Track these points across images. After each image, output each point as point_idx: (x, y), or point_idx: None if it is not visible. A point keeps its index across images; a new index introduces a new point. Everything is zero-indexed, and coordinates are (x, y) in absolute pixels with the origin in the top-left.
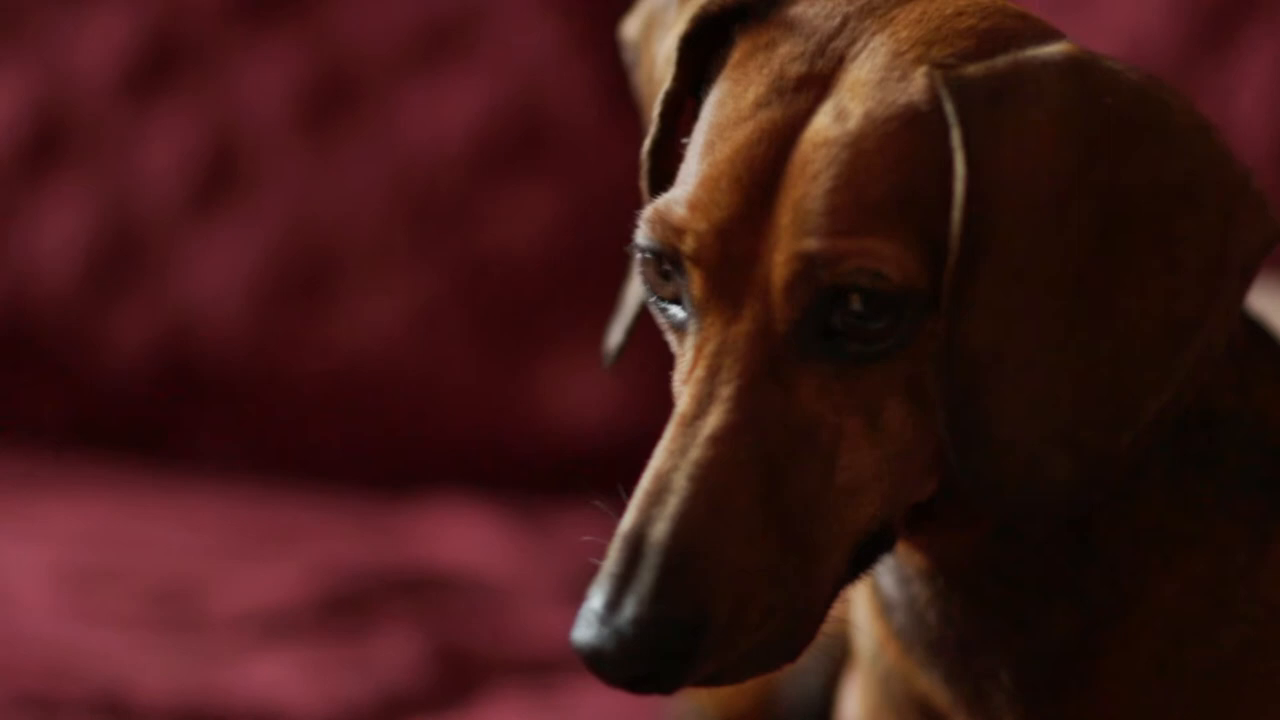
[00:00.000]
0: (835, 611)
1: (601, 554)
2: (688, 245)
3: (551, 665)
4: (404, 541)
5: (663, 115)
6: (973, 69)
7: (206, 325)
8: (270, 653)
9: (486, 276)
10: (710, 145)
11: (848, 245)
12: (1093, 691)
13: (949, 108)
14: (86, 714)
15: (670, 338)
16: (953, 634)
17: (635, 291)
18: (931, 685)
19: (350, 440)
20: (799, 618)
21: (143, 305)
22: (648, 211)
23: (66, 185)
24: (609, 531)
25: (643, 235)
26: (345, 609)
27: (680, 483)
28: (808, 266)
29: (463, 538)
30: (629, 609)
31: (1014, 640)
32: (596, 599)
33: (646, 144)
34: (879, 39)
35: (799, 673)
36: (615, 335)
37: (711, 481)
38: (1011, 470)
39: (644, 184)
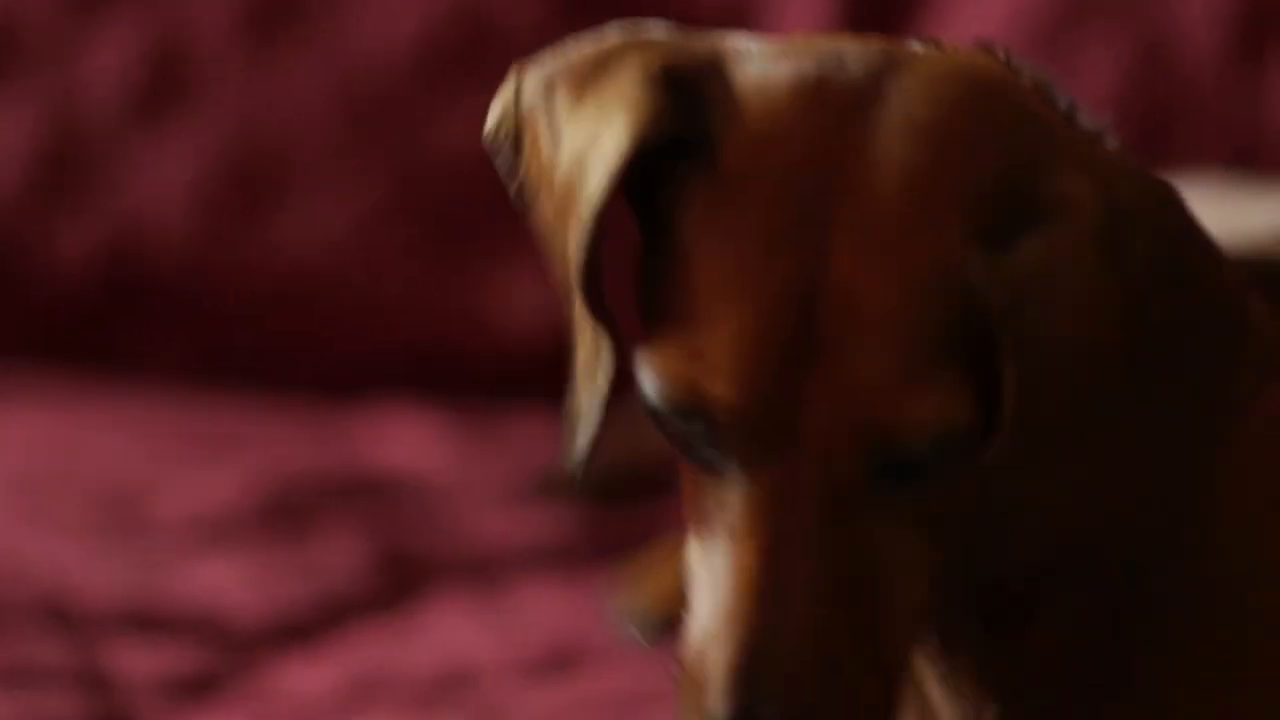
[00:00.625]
0: None
1: (546, 460)
2: (724, 415)
3: (495, 566)
4: (348, 446)
5: (593, 233)
6: (1007, 263)
7: (151, 233)
8: (214, 557)
9: (433, 182)
10: (721, 300)
11: (917, 408)
12: (1040, 627)
13: (989, 302)
14: (30, 617)
15: (695, 468)
16: None
17: (596, 398)
18: None
19: (295, 346)
20: (889, 708)
21: (86, 214)
22: (658, 364)
23: (8, 92)
24: (553, 436)
25: (661, 398)
26: (289, 513)
27: (782, 654)
28: (878, 435)
29: (407, 442)
30: None
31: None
32: None
33: (575, 272)
34: (868, 167)
35: None
36: (580, 450)
37: (815, 645)
38: (1024, 573)
39: (578, 306)
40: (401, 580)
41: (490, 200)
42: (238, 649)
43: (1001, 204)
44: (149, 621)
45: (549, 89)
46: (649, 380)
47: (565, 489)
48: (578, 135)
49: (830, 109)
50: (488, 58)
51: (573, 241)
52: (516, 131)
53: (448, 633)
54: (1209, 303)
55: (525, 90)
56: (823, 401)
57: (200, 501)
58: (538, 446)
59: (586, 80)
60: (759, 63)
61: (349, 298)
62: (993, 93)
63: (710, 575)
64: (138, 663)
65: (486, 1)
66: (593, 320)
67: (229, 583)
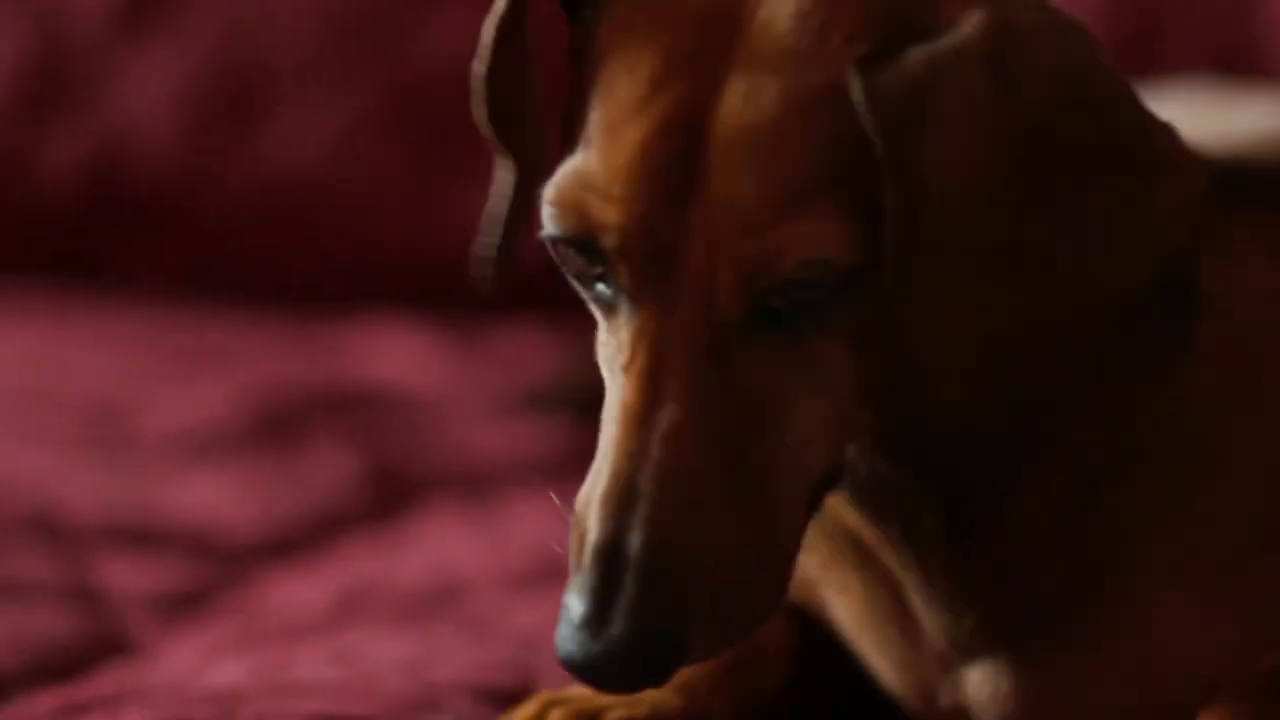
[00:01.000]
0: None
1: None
2: (610, 240)
3: (485, 479)
4: (337, 360)
5: (497, 41)
6: (887, 74)
7: (135, 146)
8: (203, 471)
9: (416, 93)
10: (614, 127)
11: (791, 238)
12: (1009, 530)
13: (866, 116)
14: (19, 533)
15: (593, 308)
16: (876, 481)
17: (500, 204)
18: (860, 522)
19: (283, 260)
20: (773, 577)
21: (71, 129)
22: (551, 193)
23: None
24: (542, 350)
25: (554, 225)
26: (278, 427)
27: (647, 487)
28: (751, 267)
29: (395, 355)
30: (616, 625)
31: (931, 486)
32: (577, 611)
33: (480, 68)
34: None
35: None
36: (489, 258)
37: (677, 480)
38: (950, 428)
39: (480, 111)
40: (391, 494)
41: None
42: (227, 563)
43: (890, 29)
44: (138, 536)
45: None
46: (545, 209)
47: (555, 403)
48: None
49: None
50: None
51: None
52: None
53: (438, 545)
54: (1117, 133)
55: None
56: (702, 231)
57: (188, 416)
58: (528, 360)
59: None
60: None
61: (336, 210)
62: None
63: (605, 414)
64: (127, 577)
65: None
66: (496, 146)
67: (218, 497)
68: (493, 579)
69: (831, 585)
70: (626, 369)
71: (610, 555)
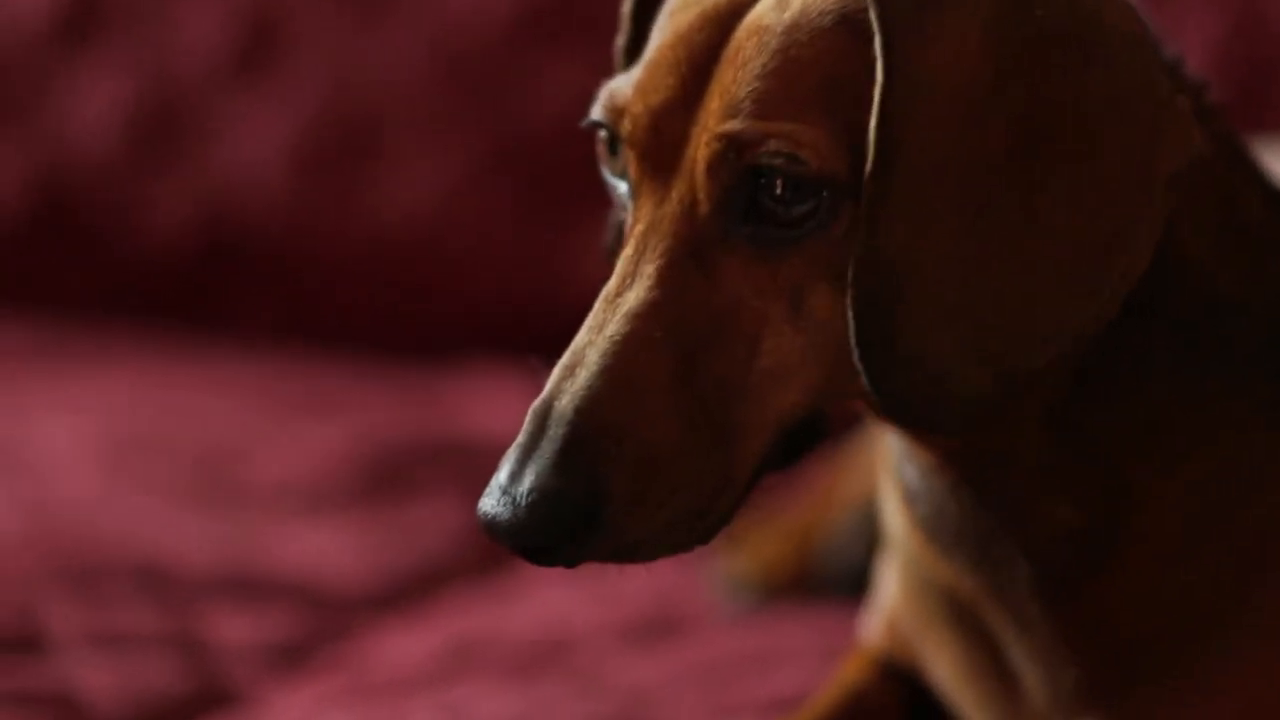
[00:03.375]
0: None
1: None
2: (625, 126)
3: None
4: (443, 410)
5: (634, 16)
6: None
7: (246, 194)
8: (311, 521)
9: (525, 145)
10: (660, 30)
11: (769, 128)
12: (1111, 578)
13: (873, 13)
14: (128, 583)
15: (621, 216)
16: (970, 525)
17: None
18: (957, 574)
19: (389, 309)
20: (710, 498)
21: (181, 175)
22: (603, 90)
23: (105, 55)
24: None
25: (595, 110)
26: (386, 478)
27: (592, 357)
28: (729, 147)
29: (501, 406)
30: (528, 479)
31: (1024, 532)
32: (503, 470)
33: (620, 41)
34: None
35: (838, 546)
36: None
37: (623, 357)
38: (918, 382)
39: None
40: (499, 547)
41: (582, 166)
42: (335, 615)
43: None
44: (246, 587)
45: None
46: (594, 104)
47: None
48: None
49: None
50: (581, 24)
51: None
52: None
53: (546, 599)
54: (1124, 85)
55: None
56: (701, 131)
57: (297, 466)
58: None
59: None
60: None
61: (443, 260)
62: None
63: None
64: (235, 628)
65: None
66: None
67: (326, 548)
68: (601, 633)
69: (931, 643)
70: (617, 256)
71: (542, 415)
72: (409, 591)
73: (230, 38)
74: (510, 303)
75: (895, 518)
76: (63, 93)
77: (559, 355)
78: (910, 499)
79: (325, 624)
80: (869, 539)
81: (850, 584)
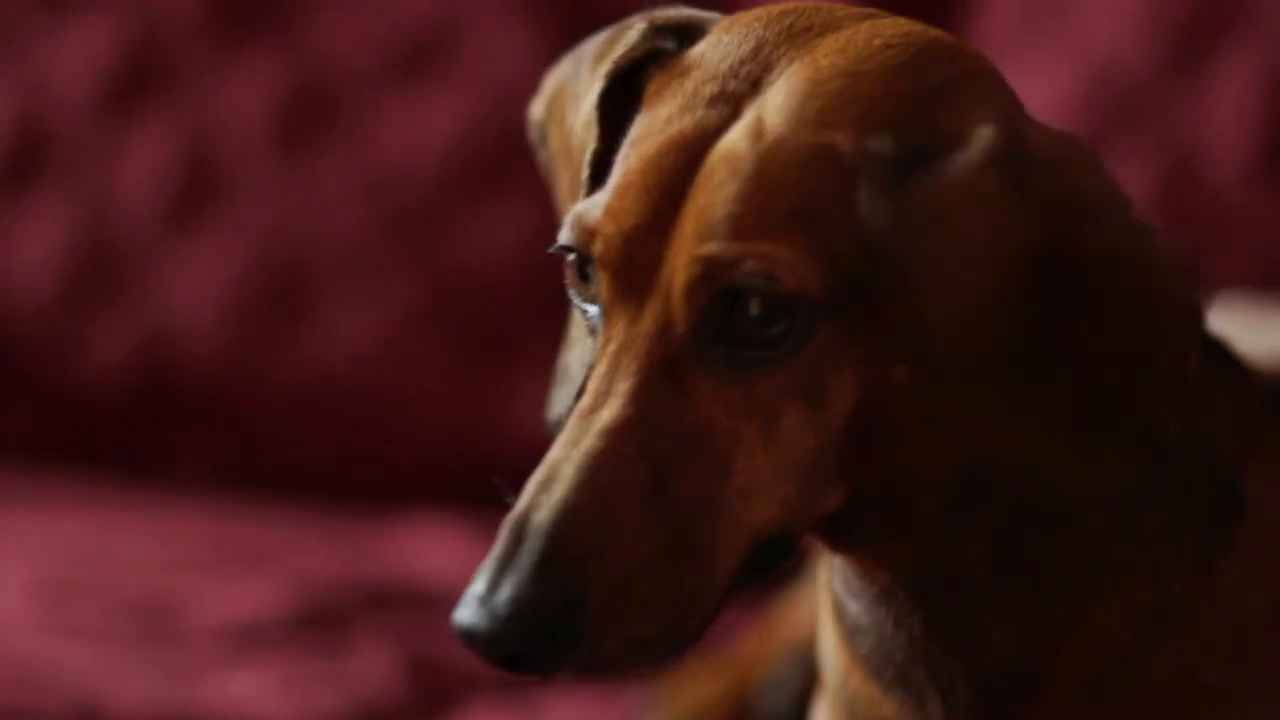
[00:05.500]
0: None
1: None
2: (597, 249)
3: (525, 679)
4: (379, 556)
5: (591, 177)
6: (910, 191)
7: (182, 340)
8: (246, 666)
9: (461, 291)
10: (625, 158)
11: (746, 248)
12: (1039, 711)
13: (889, 234)
14: None
15: (589, 338)
16: (919, 650)
17: (577, 357)
18: (896, 708)
19: (325, 454)
20: (683, 613)
21: (118, 319)
22: (570, 215)
23: (43, 198)
24: None
25: (563, 235)
26: (321, 623)
27: (568, 471)
28: (706, 269)
29: (438, 552)
30: (505, 590)
31: (969, 655)
32: (479, 581)
33: (591, 148)
34: (797, 66)
35: (773, 686)
36: (559, 404)
37: (597, 471)
38: (931, 539)
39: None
40: (434, 691)
41: (519, 309)
42: None
43: (898, 125)
44: None
45: (577, 64)
46: (563, 229)
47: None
48: (582, 105)
49: (778, 29)
50: (517, 167)
51: (575, 156)
52: (549, 112)
53: None
54: (1124, 246)
55: (562, 72)
56: (676, 254)
57: (233, 611)
58: None
59: (603, 48)
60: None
61: (379, 405)
62: (934, 46)
63: None
64: None
65: (515, 110)
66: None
67: (263, 692)
68: None
69: None
70: (589, 377)
71: (518, 528)
72: None
73: (167, 182)
74: (446, 448)
75: (833, 657)
76: (2, 235)
77: (498, 504)
78: (852, 633)
79: None
80: (805, 683)
81: None
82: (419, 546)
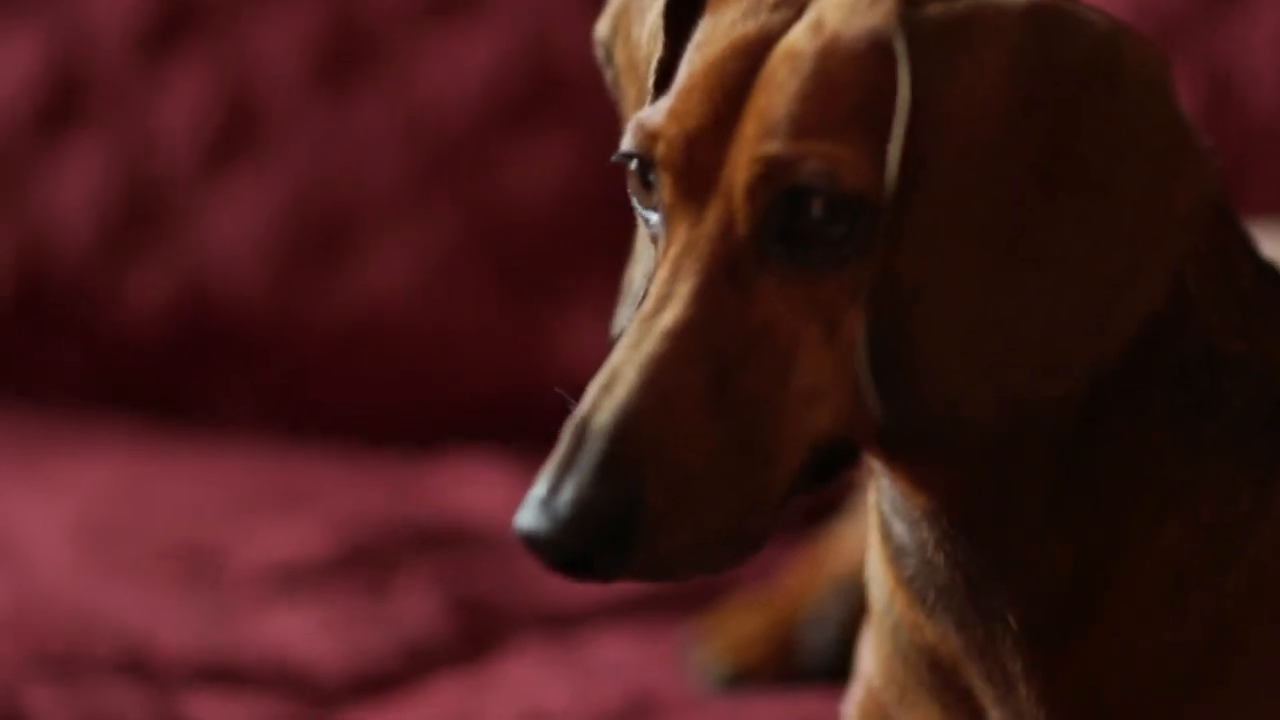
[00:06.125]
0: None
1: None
2: (659, 151)
3: (572, 618)
4: (423, 495)
5: (657, 85)
6: (932, 8)
7: (222, 281)
8: (291, 607)
9: (503, 228)
10: (689, 62)
11: (807, 148)
12: (1096, 633)
13: (899, 44)
14: (109, 671)
15: (653, 248)
16: (960, 576)
17: (642, 270)
18: (941, 633)
19: (368, 394)
20: (743, 516)
21: (158, 262)
22: (632, 121)
23: (82, 143)
24: None
25: (626, 141)
26: (365, 563)
27: (629, 374)
28: (768, 168)
29: (482, 490)
30: (566, 492)
31: (1017, 580)
32: (540, 485)
33: (657, 55)
34: None
35: (818, 621)
36: (622, 319)
37: (658, 374)
38: (929, 405)
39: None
40: (479, 631)
41: (561, 245)
42: (316, 701)
43: (939, 5)
44: (226, 673)
45: None
46: (625, 135)
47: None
48: (648, 17)
49: None
50: (556, 102)
51: (641, 68)
52: (614, 29)
53: (525, 684)
54: (1145, 121)
55: None
56: (738, 154)
57: (276, 552)
58: None
59: None
60: None
61: (421, 344)
62: None
63: None
64: (216, 715)
65: (554, 44)
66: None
67: (306, 634)
68: (581, 717)
69: (910, 713)
70: (651, 279)
71: (579, 430)
72: (389, 676)
73: (205, 124)
74: (488, 386)
75: (880, 579)
76: (41, 180)
77: (541, 441)
78: (898, 555)
79: (306, 709)
80: (850, 619)
81: (831, 664)
82: (462, 485)
